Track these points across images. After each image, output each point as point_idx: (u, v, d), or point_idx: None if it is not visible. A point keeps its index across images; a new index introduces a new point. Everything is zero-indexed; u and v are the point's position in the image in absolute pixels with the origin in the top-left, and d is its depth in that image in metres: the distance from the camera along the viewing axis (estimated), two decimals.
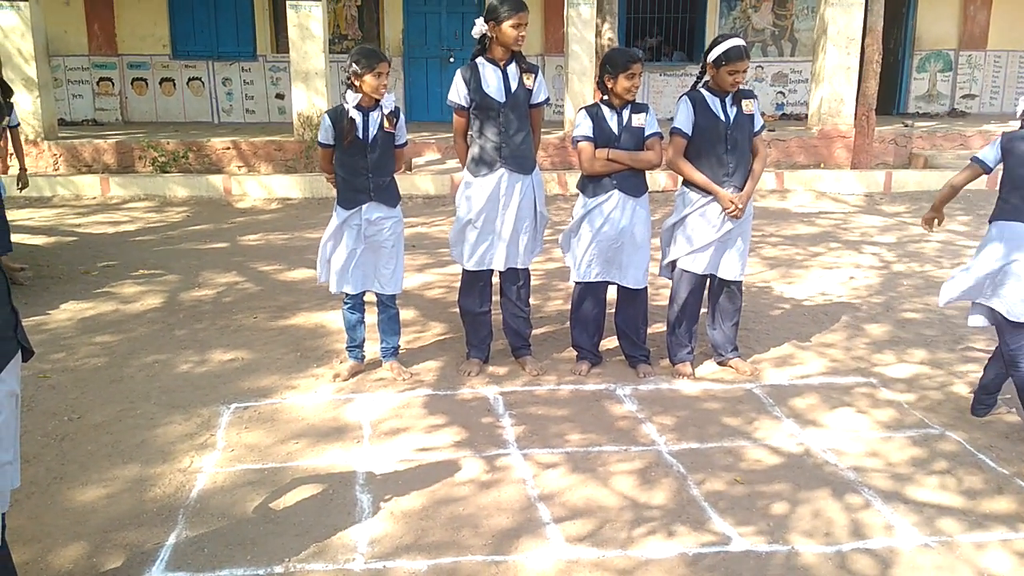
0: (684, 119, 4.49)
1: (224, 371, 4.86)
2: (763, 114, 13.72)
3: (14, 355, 2.52)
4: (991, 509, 3.43)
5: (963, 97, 15.05)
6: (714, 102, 4.46)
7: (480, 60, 4.51)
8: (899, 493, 3.55)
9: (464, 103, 4.53)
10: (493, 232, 4.60)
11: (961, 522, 3.34)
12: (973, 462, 3.82)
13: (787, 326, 5.59)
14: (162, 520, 3.36)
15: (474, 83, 4.48)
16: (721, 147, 4.45)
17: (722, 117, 4.44)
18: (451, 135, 4.75)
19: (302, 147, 11.02)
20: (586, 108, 4.63)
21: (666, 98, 14.08)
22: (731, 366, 4.84)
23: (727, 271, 4.65)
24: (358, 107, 4.39)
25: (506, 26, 4.37)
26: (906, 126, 12.53)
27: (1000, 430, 4.11)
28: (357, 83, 4.33)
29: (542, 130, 4.84)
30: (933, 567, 3.06)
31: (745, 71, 4.37)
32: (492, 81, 4.47)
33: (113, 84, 14.11)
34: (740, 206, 4.46)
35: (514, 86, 4.48)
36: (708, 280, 4.76)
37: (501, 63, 4.47)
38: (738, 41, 4.39)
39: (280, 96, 14.09)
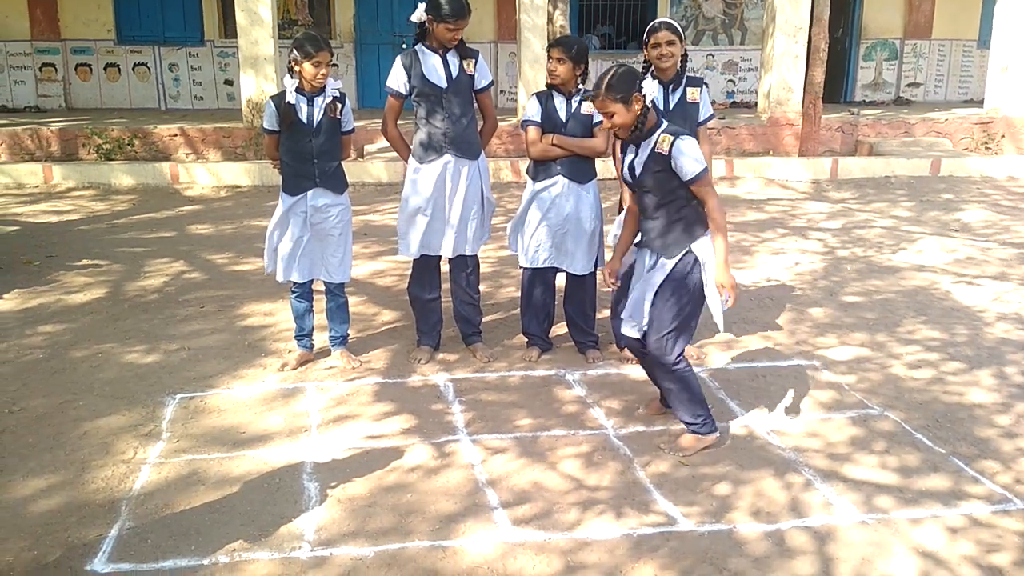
0: None
1: (170, 361, 4.80)
2: (714, 103, 13.62)
3: None
4: (927, 486, 3.53)
5: (908, 85, 15.36)
6: (657, 91, 4.47)
7: (420, 47, 4.51)
8: (838, 472, 3.64)
9: (404, 91, 4.54)
10: (442, 219, 4.60)
11: (897, 499, 3.43)
12: (910, 441, 3.92)
13: (733, 310, 5.64)
14: (105, 512, 3.32)
15: (415, 70, 4.48)
16: None
17: (660, 106, 4.47)
18: (406, 121, 4.73)
19: (251, 134, 10.88)
20: (537, 94, 4.65)
21: None
22: None
23: None
24: (302, 92, 4.36)
25: (442, 28, 4.38)
26: (852, 114, 12.74)
27: (937, 410, 4.22)
28: (297, 69, 4.30)
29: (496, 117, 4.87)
30: (868, 543, 3.14)
31: (670, 44, 4.38)
32: (433, 68, 4.47)
33: (56, 70, 13.79)
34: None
35: (455, 72, 4.49)
36: None
37: (440, 51, 4.48)
38: (663, 18, 4.46)
39: (229, 82, 13.88)
